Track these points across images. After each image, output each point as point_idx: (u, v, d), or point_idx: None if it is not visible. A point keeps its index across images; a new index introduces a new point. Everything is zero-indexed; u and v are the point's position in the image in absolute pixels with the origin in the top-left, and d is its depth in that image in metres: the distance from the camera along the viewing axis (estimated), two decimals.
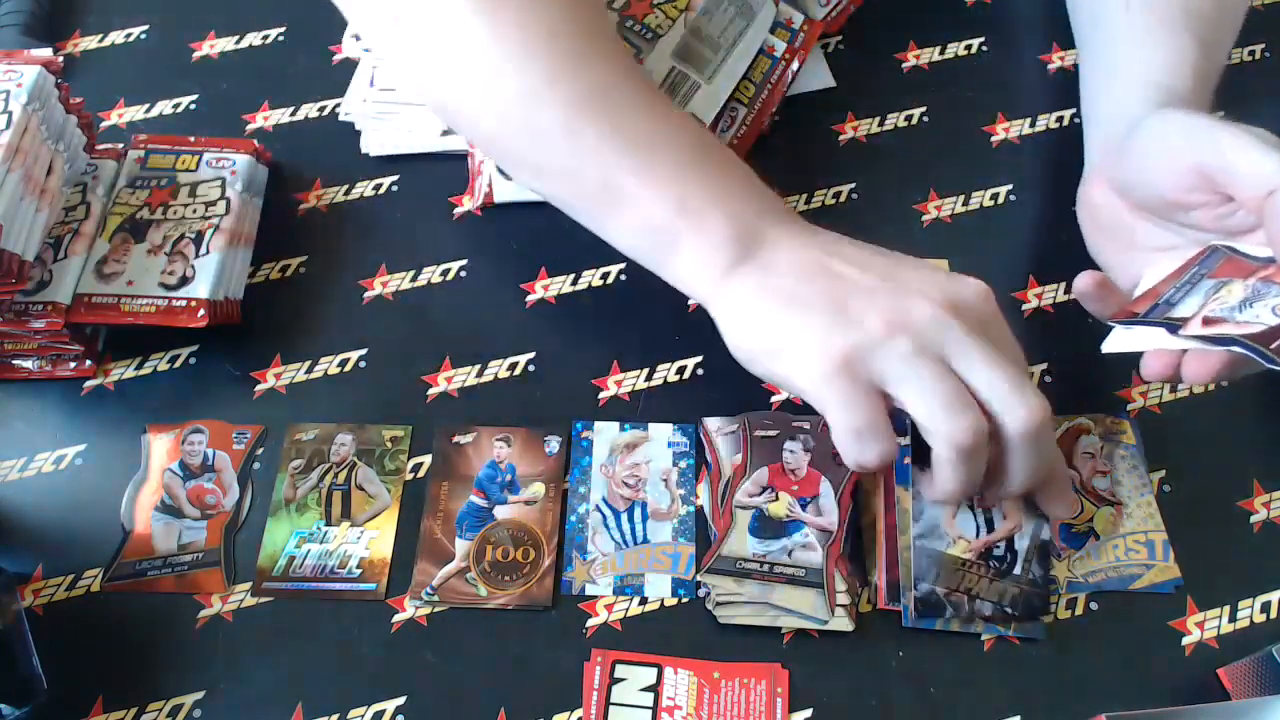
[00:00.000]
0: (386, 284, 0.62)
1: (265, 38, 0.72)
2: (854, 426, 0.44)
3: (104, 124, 0.67)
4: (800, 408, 0.58)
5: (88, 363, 0.58)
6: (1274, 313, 0.44)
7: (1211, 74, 0.55)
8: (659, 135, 0.49)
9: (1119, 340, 0.49)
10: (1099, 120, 0.57)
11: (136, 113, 0.68)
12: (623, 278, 0.62)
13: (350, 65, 0.68)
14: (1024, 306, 0.61)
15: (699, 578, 0.52)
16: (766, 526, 0.53)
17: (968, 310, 0.44)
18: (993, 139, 0.68)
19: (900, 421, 0.48)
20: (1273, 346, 0.42)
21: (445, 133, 0.66)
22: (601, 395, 0.58)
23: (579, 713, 0.49)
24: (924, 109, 0.69)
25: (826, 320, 0.44)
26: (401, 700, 0.49)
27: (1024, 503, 0.52)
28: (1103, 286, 0.51)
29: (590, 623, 0.51)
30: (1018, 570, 0.52)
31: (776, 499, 0.54)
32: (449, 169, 0.66)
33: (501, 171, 0.63)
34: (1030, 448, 0.45)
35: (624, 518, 0.54)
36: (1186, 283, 0.48)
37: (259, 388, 0.58)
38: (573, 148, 0.48)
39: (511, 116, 0.49)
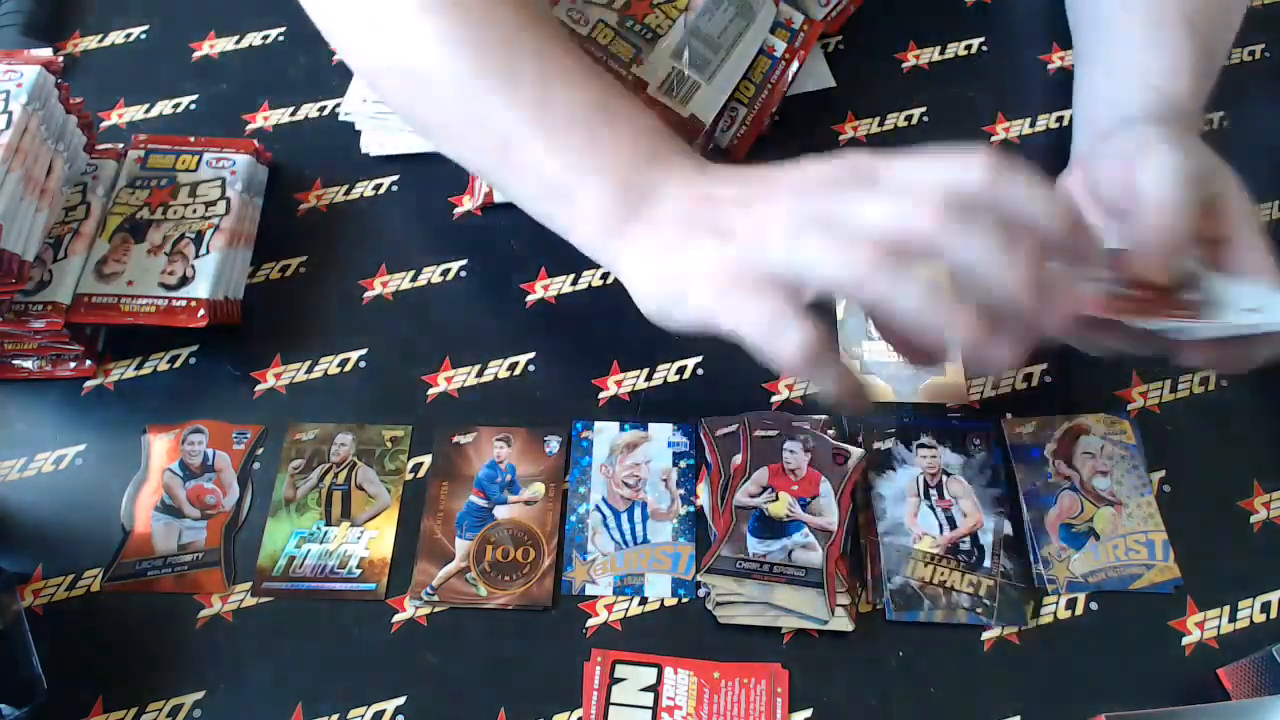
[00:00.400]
0: (386, 284, 0.62)
1: (265, 38, 0.72)
2: (758, 328, 0.41)
3: (104, 124, 0.67)
4: (800, 408, 0.58)
5: (88, 363, 0.58)
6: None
7: (1208, 76, 0.55)
8: (556, 88, 0.47)
9: None
10: (1090, 118, 0.57)
11: (136, 113, 0.68)
12: None
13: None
14: None
15: (699, 578, 0.52)
16: (766, 526, 0.53)
17: (834, 183, 0.42)
18: (993, 139, 0.68)
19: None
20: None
21: None
22: (601, 395, 0.58)
23: (579, 713, 0.49)
24: (924, 109, 0.69)
25: (704, 248, 0.43)
26: (401, 700, 0.49)
27: (982, 501, 0.54)
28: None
29: (590, 623, 0.51)
30: (988, 563, 0.52)
31: (776, 499, 0.54)
32: (449, 169, 0.65)
33: None
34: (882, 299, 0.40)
35: (624, 518, 0.54)
36: None
37: (259, 388, 0.58)
38: (473, 101, 0.48)
39: (417, 72, 0.48)
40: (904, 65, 0.72)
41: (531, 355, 0.59)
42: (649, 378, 0.59)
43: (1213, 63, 0.56)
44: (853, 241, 0.39)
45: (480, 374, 0.59)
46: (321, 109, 0.69)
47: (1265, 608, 0.52)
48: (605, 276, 0.62)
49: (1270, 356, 0.47)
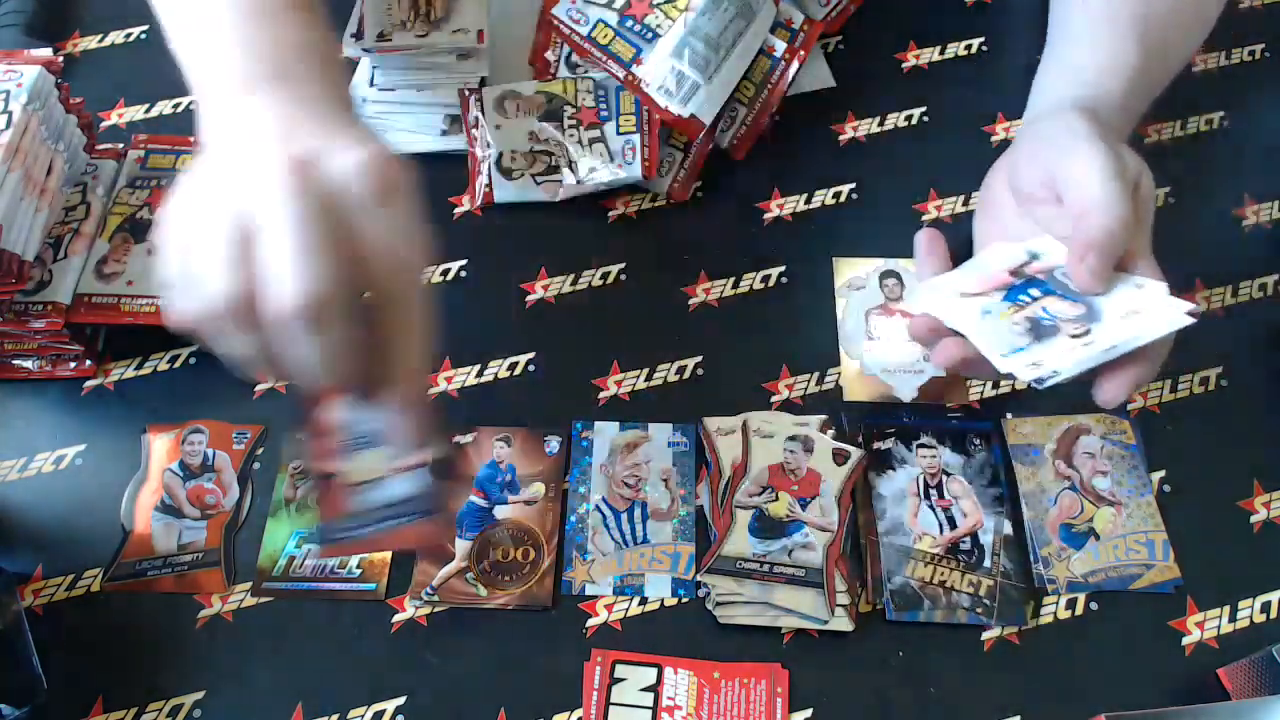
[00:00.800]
0: None
1: None
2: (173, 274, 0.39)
3: (104, 124, 0.67)
4: (800, 408, 0.58)
5: (88, 363, 0.58)
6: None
7: (1152, 80, 0.55)
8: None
9: (916, 300, 0.51)
10: (1031, 104, 0.58)
11: (136, 113, 0.68)
12: (623, 278, 0.62)
13: (350, 65, 0.68)
14: None
15: (699, 578, 0.52)
16: (766, 526, 0.53)
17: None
18: (992, 139, 0.68)
19: None
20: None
21: (445, 132, 0.66)
22: (601, 395, 0.58)
23: (579, 713, 0.49)
24: (924, 109, 0.69)
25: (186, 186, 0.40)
26: (401, 700, 0.49)
27: (982, 501, 0.54)
28: (932, 245, 0.52)
29: (590, 623, 0.51)
30: (987, 563, 0.52)
31: (776, 499, 0.54)
32: (449, 169, 0.66)
33: (501, 171, 0.63)
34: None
35: (624, 518, 0.54)
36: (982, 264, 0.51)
37: (259, 388, 0.58)
38: None
39: None
40: (904, 65, 0.72)
41: (531, 355, 0.59)
42: (649, 378, 0.59)
43: (1161, 68, 0.56)
44: (209, 277, 0.37)
45: (480, 374, 0.59)
46: None
47: (1265, 608, 0.52)
48: (605, 276, 0.62)
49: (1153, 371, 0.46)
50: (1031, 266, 0.49)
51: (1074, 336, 0.45)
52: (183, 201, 0.40)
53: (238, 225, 0.37)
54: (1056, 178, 0.48)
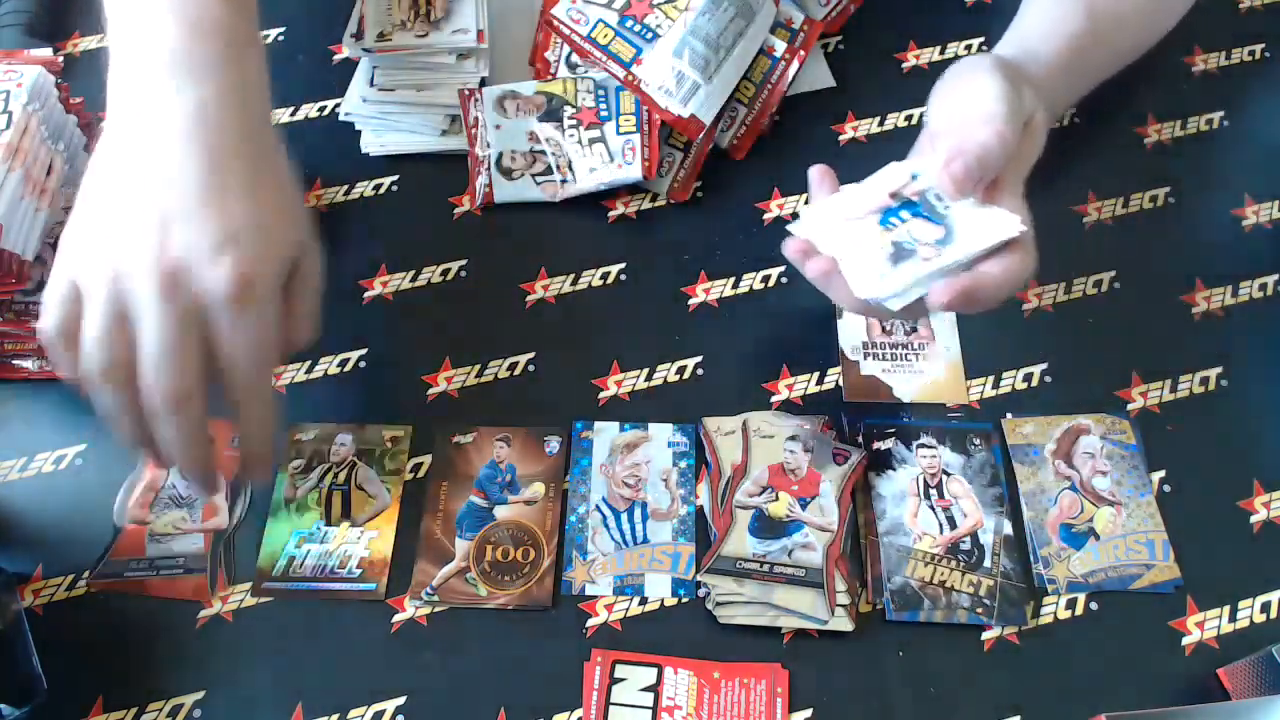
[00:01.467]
0: (386, 284, 0.62)
1: (265, 38, 0.72)
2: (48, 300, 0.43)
3: (104, 124, 0.67)
4: (800, 408, 0.58)
5: None
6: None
7: (1106, 47, 0.57)
8: None
9: (800, 223, 0.51)
10: None
11: None
12: (623, 278, 0.62)
13: (350, 65, 0.68)
14: (1024, 306, 0.61)
15: (699, 578, 0.52)
16: (766, 526, 0.53)
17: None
18: None
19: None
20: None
21: (445, 132, 0.66)
22: (601, 395, 0.58)
23: (579, 713, 0.49)
24: (924, 109, 0.69)
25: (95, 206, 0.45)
26: (401, 700, 0.49)
27: (982, 501, 0.54)
28: (823, 179, 0.52)
29: (590, 623, 0.51)
30: (987, 563, 0.52)
31: (776, 499, 0.54)
32: (449, 169, 0.66)
33: (501, 171, 0.63)
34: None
35: (624, 518, 0.54)
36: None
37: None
38: None
39: None
40: (904, 65, 0.72)
41: (531, 355, 0.59)
42: (649, 378, 0.59)
43: (1122, 30, 0.57)
44: (88, 345, 0.42)
45: (480, 374, 0.59)
46: (321, 109, 0.69)
47: (1265, 608, 0.52)
48: (605, 276, 0.62)
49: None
50: (910, 188, 0.50)
51: (927, 260, 0.46)
52: (78, 235, 0.44)
53: (116, 299, 0.42)
54: (956, 109, 0.49)
